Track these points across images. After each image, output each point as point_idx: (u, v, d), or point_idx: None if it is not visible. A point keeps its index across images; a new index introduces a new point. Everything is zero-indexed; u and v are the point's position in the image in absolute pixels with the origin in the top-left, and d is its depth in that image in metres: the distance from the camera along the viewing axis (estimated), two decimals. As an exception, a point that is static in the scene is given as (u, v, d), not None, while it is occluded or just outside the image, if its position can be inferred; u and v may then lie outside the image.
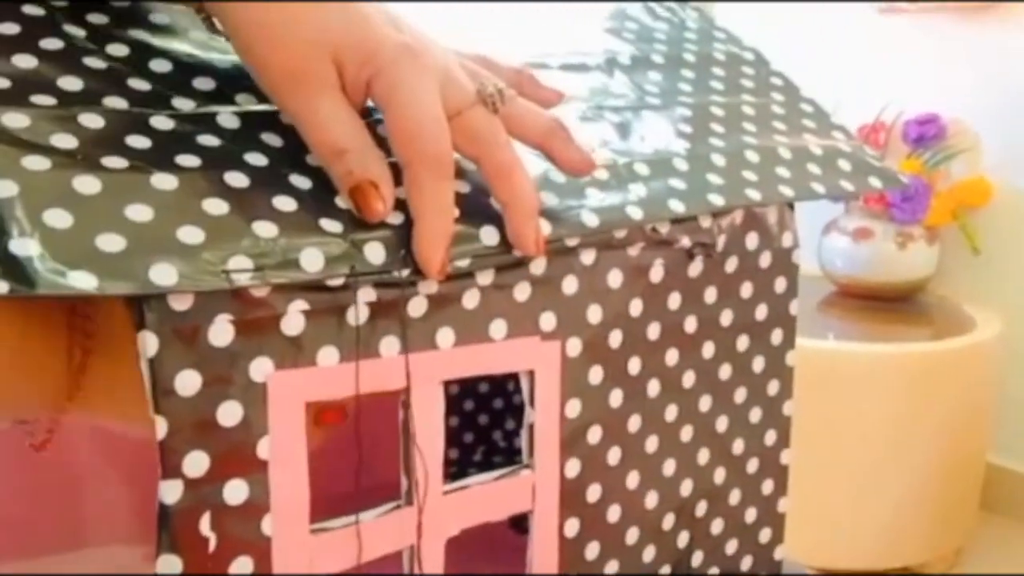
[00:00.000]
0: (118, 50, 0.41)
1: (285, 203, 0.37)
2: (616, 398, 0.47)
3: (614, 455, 0.48)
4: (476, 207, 0.41)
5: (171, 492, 0.34)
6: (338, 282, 0.37)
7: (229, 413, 0.35)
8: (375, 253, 0.38)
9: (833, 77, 2.01)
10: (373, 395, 0.39)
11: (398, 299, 0.39)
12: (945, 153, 1.98)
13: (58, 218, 0.32)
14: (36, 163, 0.34)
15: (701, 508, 0.52)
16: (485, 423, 0.74)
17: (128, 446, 0.46)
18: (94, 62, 0.39)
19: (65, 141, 0.35)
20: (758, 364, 0.53)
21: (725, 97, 0.57)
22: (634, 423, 0.48)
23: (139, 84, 0.39)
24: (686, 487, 0.51)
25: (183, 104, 0.39)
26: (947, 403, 1.72)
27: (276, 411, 0.36)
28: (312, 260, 0.36)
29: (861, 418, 1.70)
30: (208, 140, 0.38)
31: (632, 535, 0.49)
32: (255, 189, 0.37)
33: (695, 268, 0.49)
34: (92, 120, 0.36)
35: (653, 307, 0.48)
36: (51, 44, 0.39)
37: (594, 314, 0.46)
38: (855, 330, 1.92)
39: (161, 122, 0.38)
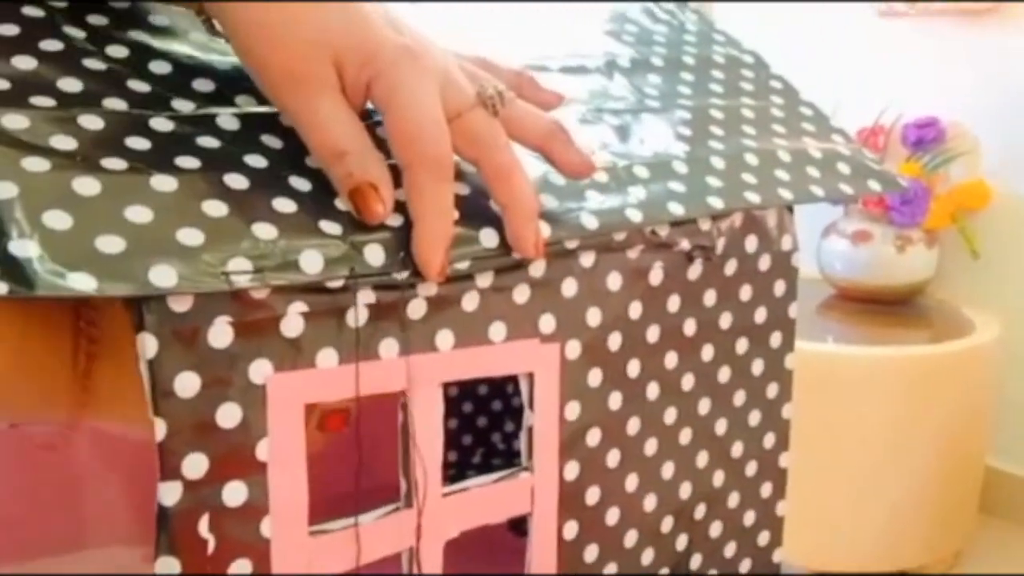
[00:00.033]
0: (118, 52, 0.41)
1: (285, 205, 0.37)
2: (615, 400, 0.47)
3: (613, 457, 0.48)
4: (475, 209, 0.41)
5: (170, 494, 0.34)
6: (337, 284, 0.37)
7: (228, 415, 0.35)
8: (375, 255, 0.38)
9: (832, 80, 2.01)
10: (373, 397, 0.39)
11: (397, 301, 0.39)
12: (944, 156, 1.98)
13: (58, 219, 0.32)
14: (36, 164, 0.34)
15: (700, 511, 0.52)
16: (484, 425, 0.74)
17: (128, 448, 0.46)
18: (94, 63, 0.39)
19: (65, 142, 0.35)
20: (757, 367, 0.53)
21: (724, 100, 0.57)
22: (633, 425, 0.48)
23: (139, 86, 0.39)
24: (685, 490, 0.51)
25: (183, 106, 0.39)
26: (946, 406, 1.72)
27: (275, 413, 0.36)
28: (312, 262, 0.36)
29: (860, 421, 1.70)
30: (208, 142, 0.38)
31: (631, 538, 0.49)
32: (255, 191, 0.37)
33: (694, 271, 0.49)
34: (92, 121, 0.36)
35: (652, 310, 0.48)
36: (51, 45, 0.39)
37: (593, 316, 0.46)
38: (854, 333, 1.91)
39: (161, 124, 0.38)
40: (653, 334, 0.48)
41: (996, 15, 1.96)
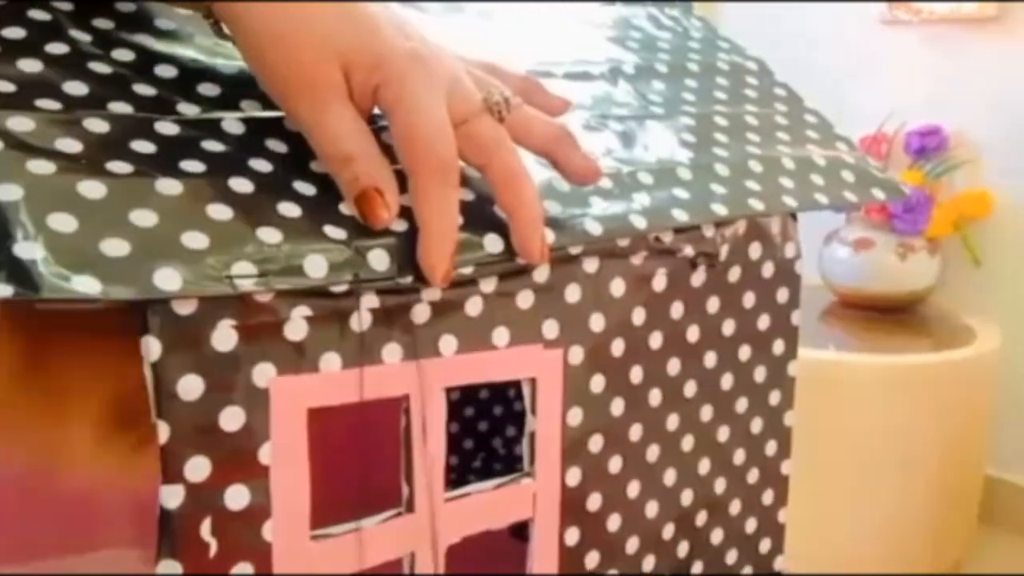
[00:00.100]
0: (123, 55, 0.41)
1: (289, 209, 0.37)
2: (617, 407, 0.47)
3: (615, 464, 0.48)
4: (480, 214, 0.41)
5: (172, 497, 0.34)
6: (342, 288, 0.37)
7: (231, 418, 0.35)
8: (379, 260, 0.38)
9: (836, 88, 2.01)
10: (376, 402, 0.39)
11: (401, 306, 0.39)
12: (947, 165, 1.98)
13: (63, 222, 0.32)
14: (41, 167, 0.34)
15: (701, 518, 0.52)
16: (485, 430, 0.74)
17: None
18: (99, 67, 0.39)
19: (70, 146, 0.35)
20: (760, 374, 0.53)
21: (729, 107, 0.57)
22: (635, 432, 0.48)
23: (144, 89, 0.39)
24: (687, 496, 0.51)
25: (188, 110, 0.39)
26: (946, 415, 1.72)
27: (278, 417, 0.36)
28: (316, 266, 0.36)
29: (860, 429, 1.69)
30: (213, 146, 0.38)
31: (632, 544, 0.49)
32: (260, 195, 0.37)
33: (698, 277, 0.49)
34: (97, 125, 0.36)
35: (655, 316, 0.48)
36: (57, 49, 0.39)
37: (596, 322, 0.46)
38: (855, 341, 1.91)
39: (166, 127, 0.38)
40: (656, 340, 0.48)
41: (999, 23, 1.96)
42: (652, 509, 0.50)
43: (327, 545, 0.38)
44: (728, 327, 0.51)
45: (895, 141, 2.02)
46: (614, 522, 0.48)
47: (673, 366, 0.49)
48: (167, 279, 0.32)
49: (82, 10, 0.41)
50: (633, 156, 0.49)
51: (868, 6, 2.12)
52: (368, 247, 0.38)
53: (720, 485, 0.53)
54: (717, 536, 0.53)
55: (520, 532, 0.46)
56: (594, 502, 0.47)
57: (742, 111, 0.57)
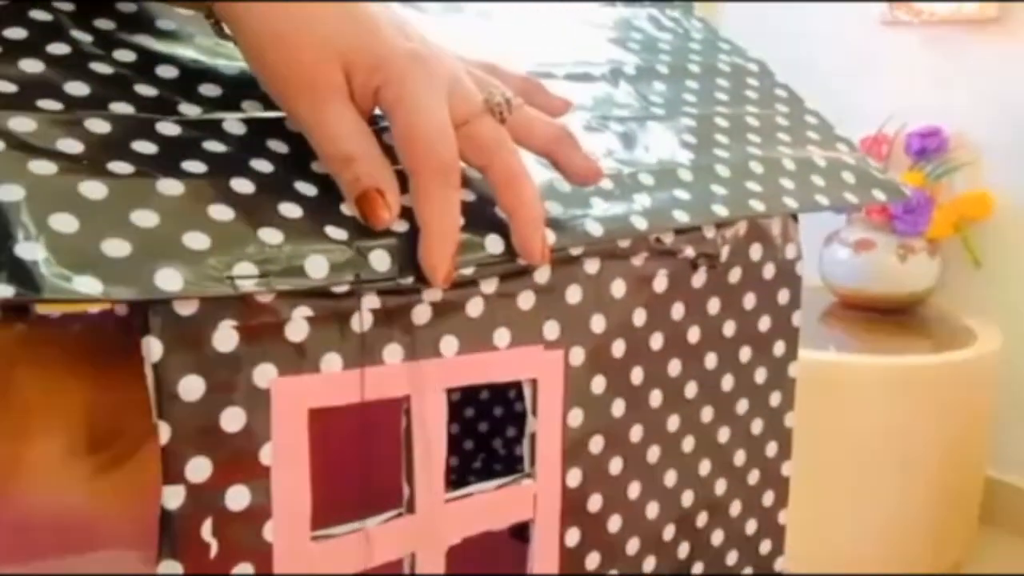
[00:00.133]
0: (125, 55, 0.41)
1: (291, 210, 0.37)
2: (618, 408, 0.47)
3: (616, 465, 0.48)
4: (481, 215, 0.41)
5: (173, 497, 0.34)
6: (343, 289, 0.37)
7: (232, 419, 0.35)
8: (380, 261, 0.38)
9: (836, 89, 2.01)
10: (377, 402, 0.39)
11: (402, 306, 0.39)
12: (947, 166, 1.98)
13: (64, 223, 0.32)
14: (42, 167, 0.34)
15: (702, 519, 0.52)
16: (485, 430, 0.74)
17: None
18: (101, 67, 0.39)
19: (71, 146, 0.35)
20: (760, 375, 0.53)
21: (729, 108, 0.57)
22: (636, 433, 0.48)
23: (146, 90, 0.39)
24: (687, 498, 0.51)
25: (189, 110, 0.39)
26: (947, 416, 1.72)
27: (279, 417, 0.36)
28: (317, 267, 0.36)
29: (860, 430, 1.70)
30: (214, 146, 0.38)
31: (633, 545, 0.49)
32: (261, 196, 0.37)
33: (699, 279, 0.49)
34: (98, 125, 0.36)
35: (656, 317, 0.48)
36: (58, 49, 0.39)
37: (597, 323, 0.46)
38: (855, 342, 1.92)
39: (167, 128, 0.38)
40: (657, 341, 0.48)
41: (1000, 24, 1.96)
42: (653, 510, 0.50)
43: (328, 546, 0.38)
44: (729, 328, 0.51)
45: (895, 142, 2.02)
46: (615, 523, 0.48)
47: (674, 367, 0.49)
48: (168, 279, 0.32)
49: (83, 10, 0.42)
50: (634, 157, 0.49)
51: (869, 7, 2.12)
52: (369, 248, 0.38)
53: (721, 486, 0.53)
54: (718, 537, 0.53)
55: (520, 533, 0.46)
56: (595, 503, 0.47)
57: (743, 112, 0.57)
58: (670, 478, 0.50)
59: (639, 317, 0.47)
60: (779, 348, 0.54)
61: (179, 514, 0.34)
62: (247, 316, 0.35)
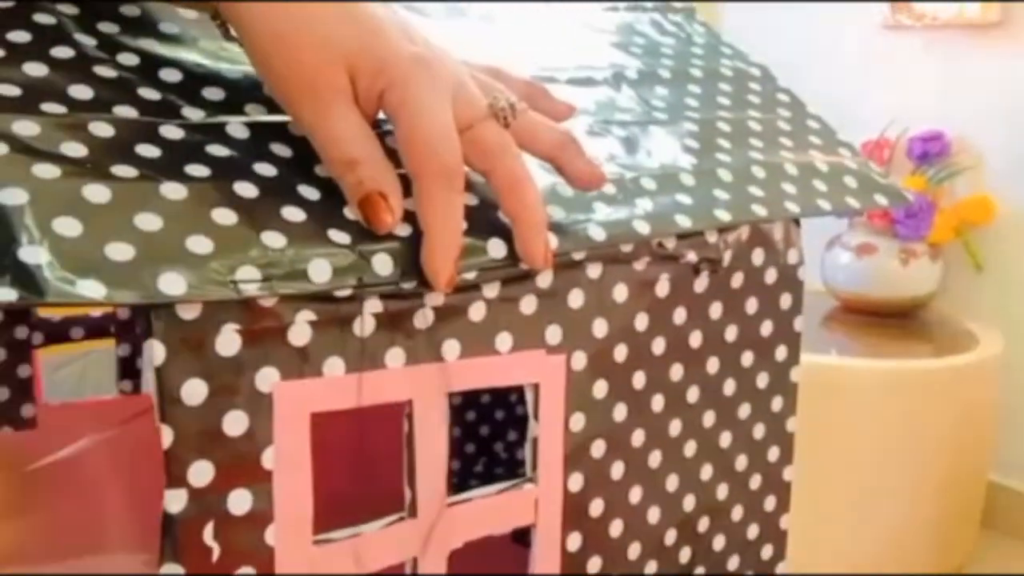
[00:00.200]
0: (128, 59, 0.41)
1: (294, 213, 0.37)
2: (620, 412, 0.47)
3: (617, 470, 0.48)
4: (484, 220, 0.41)
5: (175, 501, 0.34)
6: (345, 293, 0.37)
7: (235, 422, 0.35)
8: (383, 265, 0.38)
9: (838, 93, 2.01)
10: (379, 406, 0.39)
11: (405, 311, 0.39)
12: (949, 170, 1.98)
13: (67, 226, 0.32)
14: (46, 171, 0.34)
15: (703, 524, 0.52)
16: (487, 434, 0.74)
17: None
18: (104, 71, 0.39)
19: (75, 149, 0.35)
20: (762, 380, 0.53)
21: (732, 112, 0.57)
22: (638, 438, 0.48)
23: (149, 93, 0.39)
24: (689, 502, 0.51)
25: (193, 114, 0.39)
26: (949, 420, 1.72)
27: (281, 421, 0.36)
28: (320, 271, 0.36)
29: (862, 434, 1.69)
30: (217, 150, 0.38)
31: (634, 550, 0.49)
32: (264, 199, 0.37)
33: (701, 283, 0.49)
34: (102, 129, 0.36)
35: (659, 322, 0.48)
36: (62, 52, 0.39)
37: (600, 328, 0.46)
38: (857, 346, 1.91)
39: (171, 131, 0.38)
40: (659, 346, 0.48)
41: (1002, 28, 1.96)
42: (654, 515, 0.50)
43: (330, 550, 0.38)
44: (731, 333, 0.51)
45: (897, 146, 2.02)
46: (616, 528, 0.48)
47: (676, 372, 0.49)
48: (171, 283, 0.32)
49: (87, 14, 0.42)
50: (636, 161, 0.49)
51: (870, 11, 2.12)
52: (372, 251, 0.38)
53: (722, 491, 0.53)
54: (719, 542, 0.53)
55: (522, 537, 0.46)
56: (596, 508, 0.47)
57: (745, 117, 0.57)
58: (672, 482, 0.50)
59: (641, 322, 0.47)
60: (781, 352, 0.54)
61: (181, 518, 0.34)
62: (250, 320, 0.35)
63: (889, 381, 1.70)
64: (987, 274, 2.03)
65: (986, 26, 1.98)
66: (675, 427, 0.50)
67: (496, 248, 0.41)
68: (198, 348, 0.34)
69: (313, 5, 0.38)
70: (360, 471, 0.64)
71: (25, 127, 0.35)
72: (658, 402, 0.49)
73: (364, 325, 0.38)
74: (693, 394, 0.50)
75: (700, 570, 0.52)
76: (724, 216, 0.48)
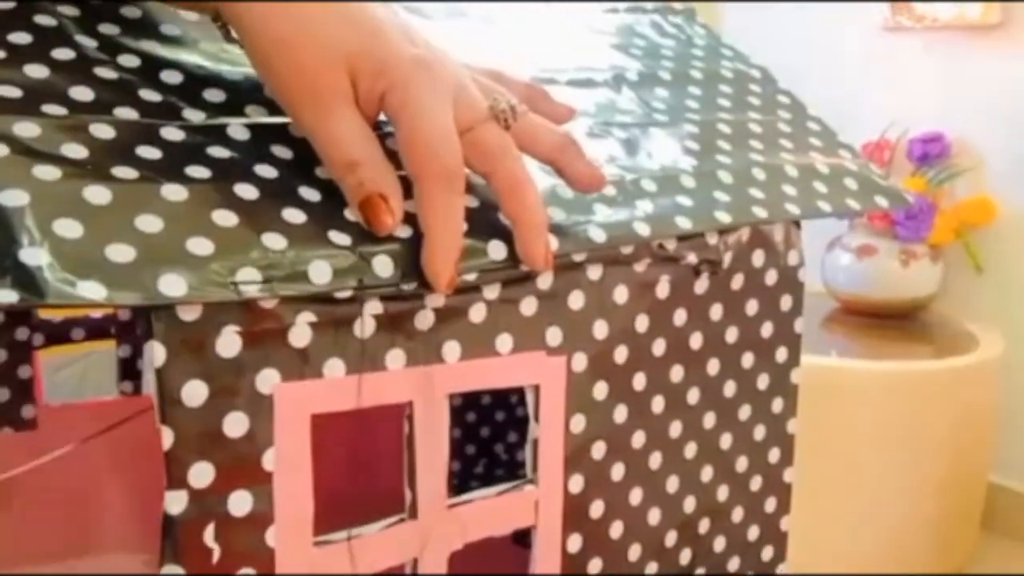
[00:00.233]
0: (129, 61, 0.41)
1: (294, 215, 0.37)
2: (621, 414, 0.47)
3: (618, 471, 0.48)
4: (484, 221, 0.41)
5: (176, 502, 0.34)
6: (346, 295, 0.37)
7: (235, 424, 0.35)
8: (383, 266, 0.38)
9: (838, 94, 2.01)
10: (379, 408, 0.39)
11: (405, 312, 0.39)
12: (949, 172, 1.98)
13: (68, 228, 0.32)
14: (47, 173, 0.34)
15: (704, 525, 0.52)
16: (487, 435, 0.74)
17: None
18: (105, 72, 0.39)
19: (76, 151, 0.35)
20: (763, 382, 0.53)
21: (732, 114, 0.57)
22: (638, 439, 0.48)
23: (150, 95, 0.39)
24: (689, 504, 0.51)
25: (193, 115, 0.39)
26: (949, 422, 1.72)
27: (282, 423, 0.36)
28: (320, 272, 0.36)
29: (862, 436, 1.69)
30: (218, 151, 0.38)
31: (635, 551, 0.49)
32: (264, 201, 0.37)
33: (701, 285, 0.49)
34: (103, 130, 0.37)
35: (659, 323, 0.48)
36: (62, 54, 0.39)
37: (600, 329, 0.46)
38: (857, 347, 1.91)
39: (171, 133, 0.38)
40: (659, 348, 0.48)
41: (1003, 29, 1.96)
42: (655, 516, 0.50)
43: (330, 551, 0.38)
44: (731, 334, 0.51)
45: (897, 148, 2.02)
46: (616, 529, 0.48)
47: (676, 373, 0.49)
48: (172, 285, 0.32)
49: (88, 16, 0.42)
50: (637, 163, 0.49)
51: (871, 12, 2.12)
52: (372, 253, 0.38)
53: (723, 492, 0.53)
54: (719, 544, 0.53)
55: (522, 539, 0.46)
56: (596, 509, 0.47)
57: (745, 118, 0.57)
58: (672, 484, 0.50)
59: (641, 323, 0.47)
60: (781, 354, 0.54)
61: (182, 519, 0.34)
62: (250, 321, 0.35)
63: (889, 382, 1.70)
64: (987, 275, 2.03)
65: (986, 27, 1.97)
66: (675, 428, 0.50)
67: (496, 250, 0.41)
68: (199, 349, 0.34)
69: (314, 7, 0.38)
70: (360, 472, 0.64)
71: (26, 128, 0.35)
72: (658, 403, 0.49)
73: (364, 326, 0.38)
74: (693, 395, 0.50)
75: (700, 571, 0.52)
76: (724, 218, 0.48)
